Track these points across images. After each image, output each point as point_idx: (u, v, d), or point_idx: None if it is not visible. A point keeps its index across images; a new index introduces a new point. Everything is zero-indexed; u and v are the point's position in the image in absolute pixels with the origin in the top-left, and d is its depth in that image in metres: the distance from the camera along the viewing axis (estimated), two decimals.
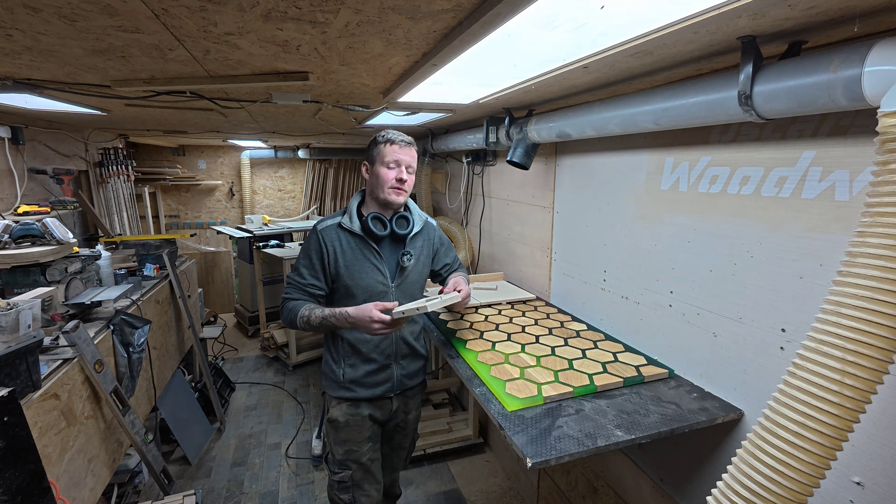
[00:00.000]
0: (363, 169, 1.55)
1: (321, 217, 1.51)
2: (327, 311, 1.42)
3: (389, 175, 1.46)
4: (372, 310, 1.32)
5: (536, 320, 1.87)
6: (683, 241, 1.40)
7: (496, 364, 1.45)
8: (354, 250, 1.49)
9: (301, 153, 5.08)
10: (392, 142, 1.46)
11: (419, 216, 1.62)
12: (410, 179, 1.50)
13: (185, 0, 0.77)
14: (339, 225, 1.50)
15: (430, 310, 1.31)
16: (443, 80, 1.31)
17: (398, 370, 1.60)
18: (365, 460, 1.59)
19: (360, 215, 1.52)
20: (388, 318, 1.30)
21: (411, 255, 1.56)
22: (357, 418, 1.56)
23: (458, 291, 1.48)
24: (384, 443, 1.73)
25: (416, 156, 1.51)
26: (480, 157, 2.79)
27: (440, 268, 1.71)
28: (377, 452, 1.65)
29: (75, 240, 2.07)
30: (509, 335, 1.70)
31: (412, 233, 1.56)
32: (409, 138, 1.49)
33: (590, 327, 1.81)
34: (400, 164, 1.47)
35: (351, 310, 1.37)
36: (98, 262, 2.20)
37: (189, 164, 5.09)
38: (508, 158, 1.94)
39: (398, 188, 1.48)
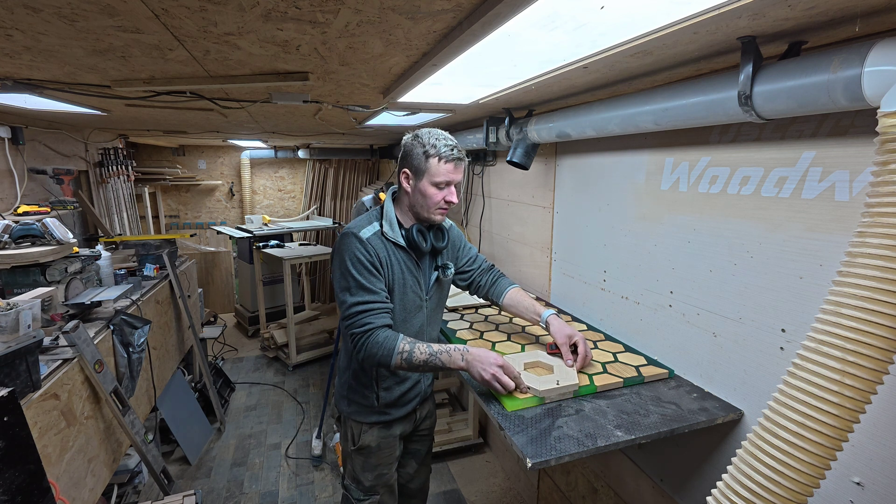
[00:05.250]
0: (402, 177, 1.34)
1: (352, 223, 1.37)
2: (434, 347, 1.24)
3: (438, 196, 1.30)
4: (498, 358, 1.21)
5: None
6: (683, 242, 1.39)
7: None
8: (401, 263, 1.35)
9: (301, 153, 5.08)
10: (446, 159, 1.27)
11: (446, 222, 1.50)
12: (457, 197, 1.35)
13: (185, 0, 0.77)
14: (382, 234, 1.34)
15: (562, 385, 1.26)
16: (443, 81, 1.31)
17: (424, 381, 1.54)
18: (392, 481, 1.53)
19: (399, 224, 1.38)
20: (510, 382, 1.19)
21: (449, 268, 1.47)
22: (389, 440, 1.48)
23: (575, 346, 1.39)
24: (412, 457, 1.67)
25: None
26: (480, 157, 2.79)
27: (463, 264, 1.61)
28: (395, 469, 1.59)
29: (75, 240, 2.07)
30: (509, 335, 1.70)
31: (446, 243, 1.47)
32: (461, 151, 1.31)
33: (590, 327, 1.81)
34: (451, 184, 1.31)
35: (473, 349, 1.23)
36: (98, 262, 2.20)
37: (189, 164, 5.09)
38: (508, 159, 1.94)
39: (444, 210, 1.33)
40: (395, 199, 1.43)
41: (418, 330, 1.43)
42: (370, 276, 1.28)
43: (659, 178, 1.48)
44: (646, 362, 1.47)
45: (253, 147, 5.03)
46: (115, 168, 3.59)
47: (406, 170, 1.33)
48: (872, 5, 0.74)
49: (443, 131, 1.33)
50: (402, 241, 1.35)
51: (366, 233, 1.32)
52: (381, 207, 1.40)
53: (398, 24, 0.88)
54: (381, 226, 1.35)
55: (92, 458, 1.56)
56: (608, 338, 1.69)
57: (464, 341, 1.64)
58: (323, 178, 5.53)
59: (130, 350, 1.87)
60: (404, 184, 1.35)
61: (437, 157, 1.27)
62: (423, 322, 1.44)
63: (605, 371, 1.40)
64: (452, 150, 1.28)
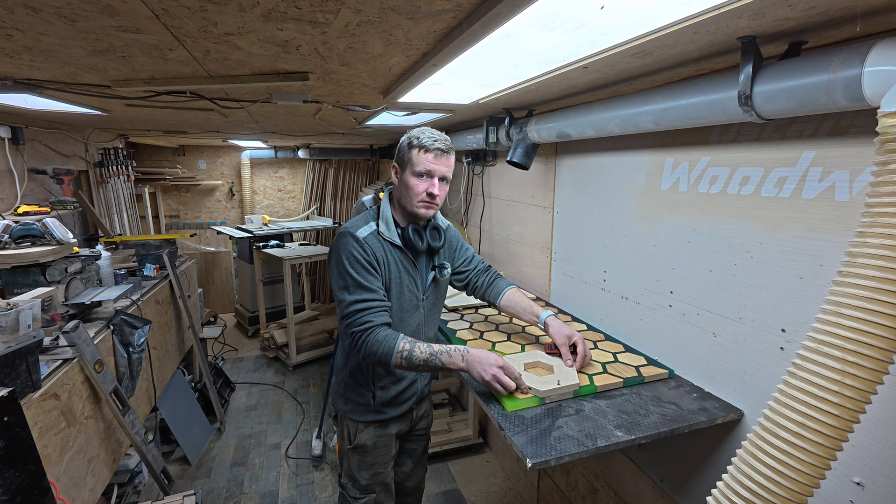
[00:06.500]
0: (392, 171, 1.38)
1: (349, 223, 1.38)
2: (434, 347, 1.24)
3: (419, 187, 1.30)
4: (498, 359, 1.21)
5: None
6: (683, 242, 1.39)
7: None
8: (397, 262, 1.36)
9: (301, 153, 5.08)
10: (425, 149, 1.28)
11: (443, 223, 1.51)
12: (444, 192, 1.34)
13: (185, 0, 0.77)
14: (378, 233, 1.35)
15: (562, 385, 1.26)
16: (443, 81, 1.31)
17: (421, 381, 1.53)
18: (389, 480, 1.54)
19: (395, 224, 1.38)
20: (511, 382, 1.19)
21: (446, 268, 1.48)
22: (385, 439, 1.49)
23: (575, 346, 1.38)
24: (408, 456, 1.68)
25: (452, 163, 1.33)
26: (480, 157, 2.79)
27: (459, 264, 1.61)
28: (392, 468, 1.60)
29: (75, 240, 2.07)
30: (509, 335, 1.70)
31: (443, 243, 1.46)
32: (446, 143, 1.31)
33: (590, 327, 1.81)
34: (432, 176, 1.30)
35: (473, 350, 1.23)
36: (98, 262, 2.20)
37: (189, 164, 5.09)
38: (508, 159, 1.94)
39: (428, 202, 1.32)
40: (391, 198, 1.44)
41: (415, 329, 1.44)
42: (367, 275, 1.29)
43: (659, 178, 1.48)
44: (646, 362, 1.47)
45: (253, 147, 5.03)
46: (115, 168, 3.59)
47: (395, 164, 1.37)
48: (872, 5, 0.74)
49: (436, 130, 1.34)
50: (397, 241, 1.35)
51: (362, 232, 1.33)
52: (378, 207, 1.41)
53: (398, 24, 0.88)
54: (378, 225, 1.37)
55: (92, 458, 1.56)
56: (608, 338, 1.69)
57: (464, 341, 1.64)
58: (323, 178, 5.53)
59: (130, 350, 1.87)
60: (393, 178, 1.39)
61: (418, 147, 1.30)
62: (419, 321, 1.44)
63: (605, 371, 1.40)
64: (435, 141, 1.30)
